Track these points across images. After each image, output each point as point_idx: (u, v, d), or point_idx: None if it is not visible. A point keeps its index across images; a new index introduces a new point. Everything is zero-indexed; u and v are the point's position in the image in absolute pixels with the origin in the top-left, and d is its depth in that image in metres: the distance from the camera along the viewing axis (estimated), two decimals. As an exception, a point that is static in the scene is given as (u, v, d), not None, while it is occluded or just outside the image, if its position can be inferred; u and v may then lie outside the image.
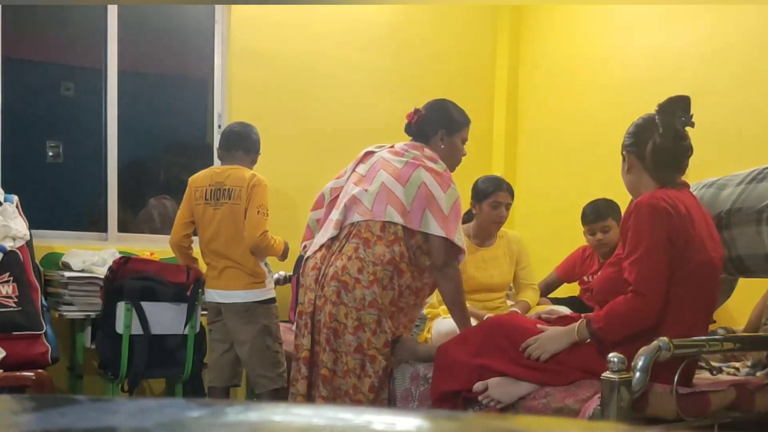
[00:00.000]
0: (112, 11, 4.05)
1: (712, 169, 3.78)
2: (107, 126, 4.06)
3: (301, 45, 4.38)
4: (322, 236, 2.85)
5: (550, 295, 3.96)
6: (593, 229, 3.69)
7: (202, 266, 3.51)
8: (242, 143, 3.45)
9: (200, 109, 4.51)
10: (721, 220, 2.49)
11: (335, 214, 2.84)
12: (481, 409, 2.46)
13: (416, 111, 2.94)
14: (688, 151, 2.39)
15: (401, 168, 2.77)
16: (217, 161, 4.23)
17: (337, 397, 2.72)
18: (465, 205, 3.55)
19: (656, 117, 2.36)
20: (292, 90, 4.36)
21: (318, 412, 0.68)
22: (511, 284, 3.66)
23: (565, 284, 4.08)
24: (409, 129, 2.95)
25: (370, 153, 2.93)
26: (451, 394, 2.54)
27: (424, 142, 2.91)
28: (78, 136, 4.30)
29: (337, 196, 2.93)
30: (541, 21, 4.87)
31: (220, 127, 4.25)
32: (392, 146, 2.92)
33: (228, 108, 4.28)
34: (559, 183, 4.62)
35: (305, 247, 3.00)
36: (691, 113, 2.36)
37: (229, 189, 3.32)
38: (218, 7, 4.30)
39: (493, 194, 3.38)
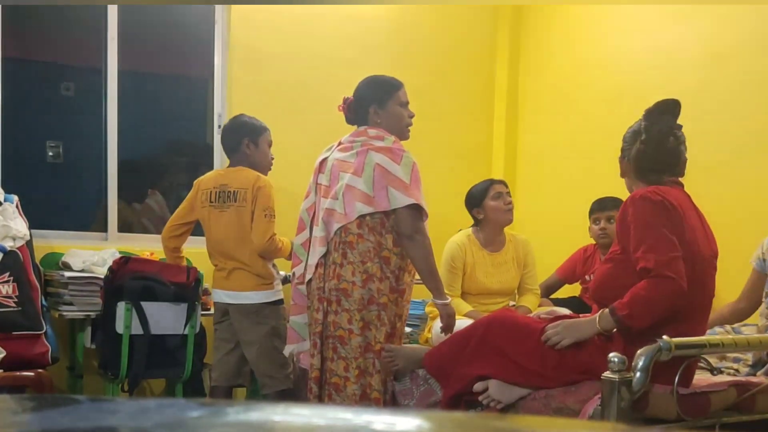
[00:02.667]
0: (112, 11, 4.05)
1: (712, 168, 3.78)
2: (107, 126, 4.06)
3: (301, 45, 4.38)
4: (314, 256, 2.89)
5: (551, 296, 3.96)
6: (598, 218, 3.73)
7: (209, 267, 3.50)
8: (228, 144, 3.45)
9: (200, 109, 4.51)
10: None
11: (318, 232, 2.88)
12: (481, 409, 2.46)
13: (345, 100, 2.97)
14: (673, 154, 2.39)
15: (354, 161, 2.80)
16: (217, 161, 4.24)
17: (353, 402, 2.73)
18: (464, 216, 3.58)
19: (641, 122, 2.38)
20: (292, 90, 4.36)
21: (318, 412, 0.68)
22: (514, 301, 3.66)
23: (566, 285, 4.08)
24: (347, 118, 2.98)
25: (325, 160, 2.95)
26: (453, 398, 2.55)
27: (364, 124, 2.92)
28: (78, 136, 4.30)
29: (315, 214, 2.96)
30: (541, 21, 4.87)
31: (220, 127, 4.25)
32: (340, 143, 2.95)
33: (228, 108, 4.28)
34: (560, 184, 4.62)
35: (294, 274, 3.03)
36: (678, 118, 2.38)
37: (234, 191, 3.31)
38: (218, 7, 4.30)
39: (489, 189, 3.42)
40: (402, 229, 2.77)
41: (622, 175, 2.48)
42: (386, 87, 2.94)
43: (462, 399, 2.54)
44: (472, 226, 3.59)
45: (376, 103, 2.90)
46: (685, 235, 2.25)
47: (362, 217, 2.76)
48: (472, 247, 3.42)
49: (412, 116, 2.98)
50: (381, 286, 2.76)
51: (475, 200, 3.45)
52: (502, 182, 3.51)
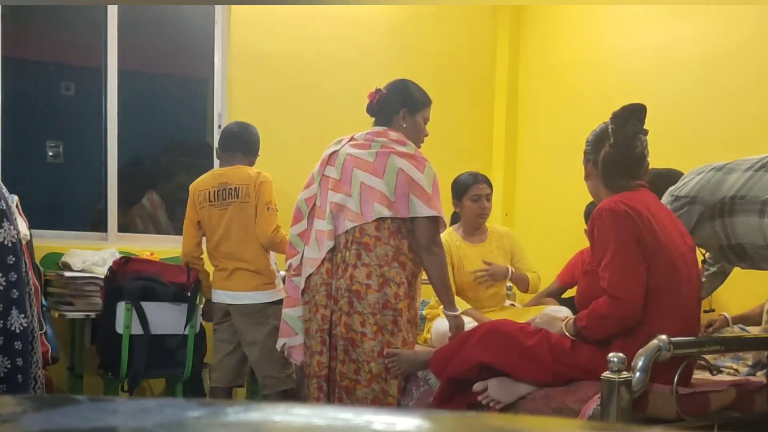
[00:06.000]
0: (112, 11, 4.05)
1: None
2: (107, 126, 4.06)
3: (301, 45, 4.38)
4: (319, 250, 2.84)
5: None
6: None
7: (209, 267, 3.48)
8: (241, 144, 3.43)
9: (200, 109, 4.52)
10: (723, 206, 2.50)
11: (324, 225, 2.83)
12: (481, 409, 2.46)
13: (377, 90, 2.95)
14: (639, 159, 2.42)
15: (373, 161, 2.77)
16: (217, 161, 4.24)
17: (363, 406, 2.71)
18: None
19: (608, 126, 2.39)
20: (292, 90, 4.36)
21: (318, 412, 0.68)
22: (510, 283, 3.66)
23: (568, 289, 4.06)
24: (371, 108, 2.96)
25: (335, 153, 2.90)
26: (450, 393, 2.54)
27: (386, 122, 2.91)
28: (78, 136, 4.30)
29: (314, 206, 2.92)
30: (541, 21, 4.87)
31: (220, 127, 4.25)
32: (352, 138, 2.90)
33: (228, 108, 4.28)
34: (560, 183, 4.62)
35: (290, 265, 2.97)
36: (644, 122, 2.40)
37: (236, 188, 3.30)
38: (218, 7, 4.30)
39: (471, 188, 3.41)
40: (420, 240, 2.76)
41: (586, 178, 2.50)
42: (421, 97, 2.95)
43: (460, 386, 2.53)
44: (452, 221, 3.63)
45: (408, 108, 2.90)
46: (658, 237, 2.27)
47: (381, 219, 2.73)
48: (455, 241, 3.44)
49: (426, 135, 2.99)
50: (399, 291, 2.74)
51: (456, 192, 3.47)
52: (485, 182, 3.45)
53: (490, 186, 3.48)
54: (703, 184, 2.56)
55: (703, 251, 2.81)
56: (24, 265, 2.40)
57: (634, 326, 2.26)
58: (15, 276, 2.34)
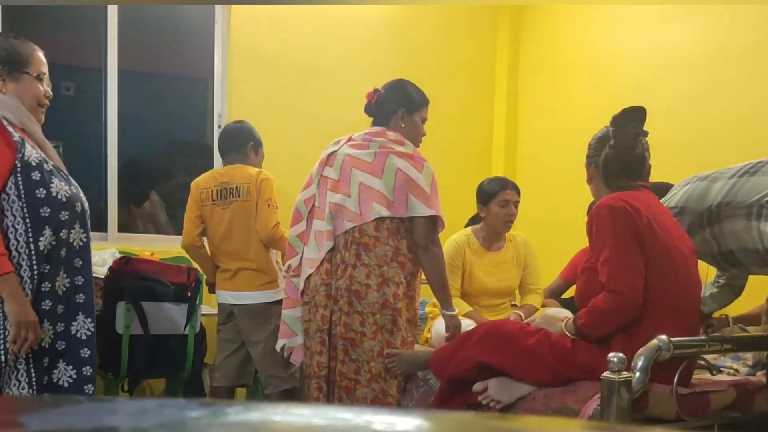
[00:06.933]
0: (112, 11, 4.06)
1: (713, 168, 3.78)
2: (107, 126, 4.06)
3: (301, 45, 4.38)
4: (318, 250, 2.84)
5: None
6: None
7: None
8: (231, 143, 3.43)
9: (200, 109, 4.52)
10: (711, 213, 2.51)
11: (323, 225, 2.83)
12: (481, 409, 2.46)
13: (376, 91, 2.95)
14: (640, 159, 2.43)
15: (372, 161, 2.77)
16: (217, 161, 4.24)
17: (363, 406, 2.71)
18: (470, 207, 3.58)
19: (609, 128, 2.41)
20: (292, 90, 4.36)
21: (318, 412, 0.68)
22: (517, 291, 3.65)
23: (571, 287, 4.06)
24: (369, 109, 2.96)
25: (333, 153, 2.90)
26: (450, 394, 2.54)
27: (384, 122, 2.90)
28: (78, 136, 4.30)
29: (313, 206, 2.92)
30: (541, 21, 4.87)
31: (220, 127, 4.26)
32: (350, 138, 2.90)
33: (228, 108, 4.28)
34: (560, 183, 4.62)
35: (290, 266, 2.97)
36: (644, 124, 2.42)
37: (237, 187, 3.30)
38: (218, 7, 4.30)
39: (500, 193, 3.37)
40: (417, 239, 2.77)
41: (589, 181, 2.52)
42: (419, 97, 2.95)
43: (460, 386, 2.53)
44: (470, 223, 3.60)
45: (406, 108, 2.90)
46: (657, 236, 2.27)
47: (380, 219, 2.74)
48: (471, 246, 3.42)
49: (424, 135, 2.99)
50: (398, 291, 2.74)
51: (483, 197, 3.43)
52: (514, 189, 3.43)
53: (519, 193, 3.44)
54: (690, 194, 2.57)
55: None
56: (90, 271, 2.38)
57: (634, 326, 2.26)
58: (82, 280, 2.32)
